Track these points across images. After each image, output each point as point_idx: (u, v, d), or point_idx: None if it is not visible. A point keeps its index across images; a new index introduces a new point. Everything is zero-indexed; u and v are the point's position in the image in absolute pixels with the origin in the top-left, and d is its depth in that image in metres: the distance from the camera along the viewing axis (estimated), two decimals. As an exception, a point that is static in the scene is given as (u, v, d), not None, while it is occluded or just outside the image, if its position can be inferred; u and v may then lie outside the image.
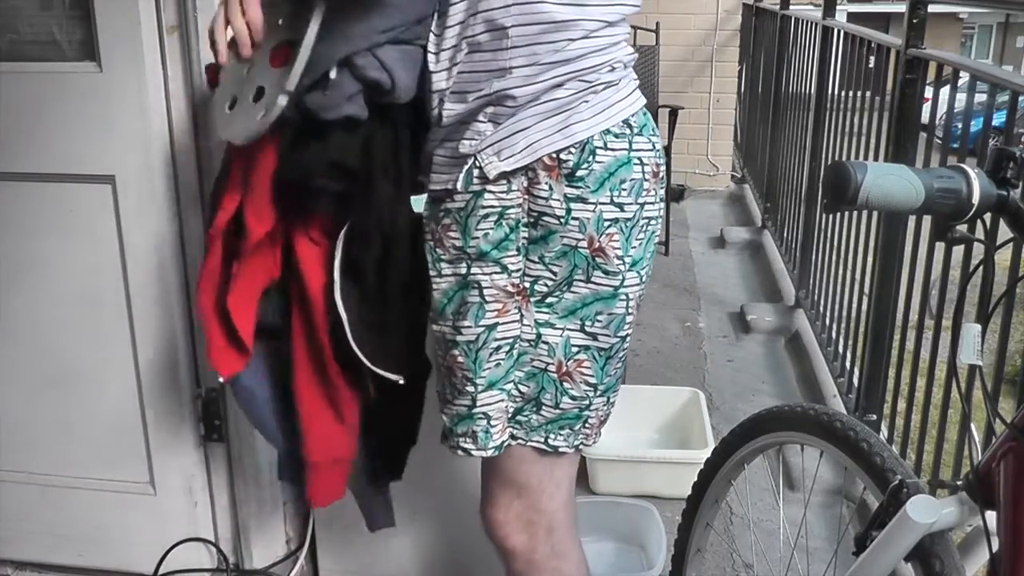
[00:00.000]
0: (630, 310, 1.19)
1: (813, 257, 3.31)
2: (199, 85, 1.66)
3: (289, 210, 1.28)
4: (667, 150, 4.58)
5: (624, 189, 1.14)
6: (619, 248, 1.15)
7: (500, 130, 1.12)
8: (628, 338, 1.22)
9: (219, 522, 1.94)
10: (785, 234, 3.94)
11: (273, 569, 1.98)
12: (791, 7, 4.32)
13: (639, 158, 1.16)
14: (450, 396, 1.22)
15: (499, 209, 1.13)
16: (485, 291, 1.15)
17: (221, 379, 1.38)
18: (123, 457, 1.88)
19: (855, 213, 2.66)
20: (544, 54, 1.09)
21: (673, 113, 4.44)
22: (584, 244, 1.13)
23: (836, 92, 3.24)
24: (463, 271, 1.16)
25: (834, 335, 2.88)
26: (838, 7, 3.59)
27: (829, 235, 3.05)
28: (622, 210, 1.14)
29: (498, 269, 1.15)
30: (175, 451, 1.86)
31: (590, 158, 1.12)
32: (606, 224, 1.13)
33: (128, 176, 1.70)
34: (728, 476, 1.50)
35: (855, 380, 2.57)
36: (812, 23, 3.67)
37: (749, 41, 5.42)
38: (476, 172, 1.13)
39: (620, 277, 1.16)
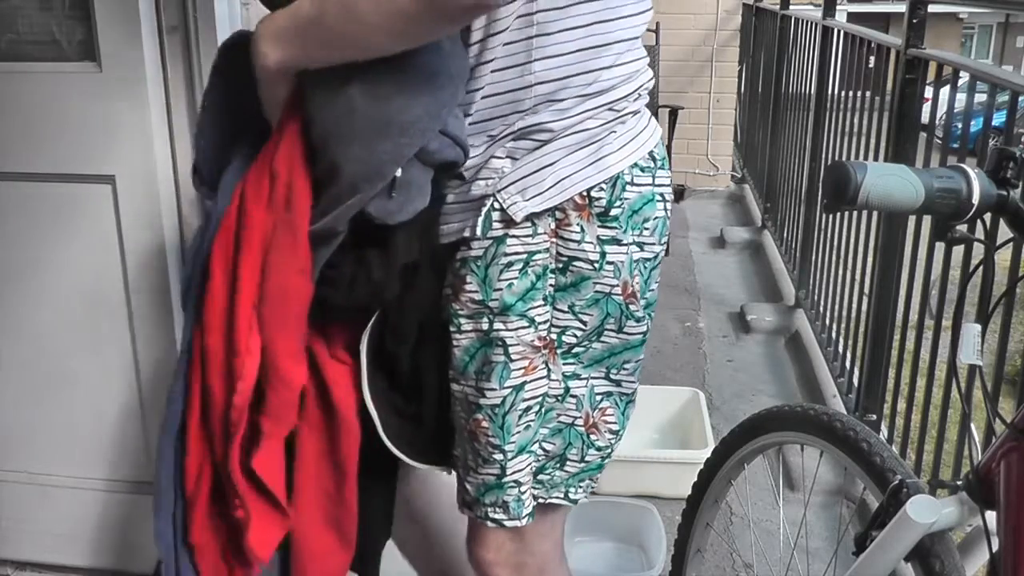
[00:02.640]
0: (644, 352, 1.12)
1: (813, 257, 3.31)
2: (199, 85, 1.66)
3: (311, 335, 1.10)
4: (667, 150, 4.57)
5: (647, 228, 1.05)
6: (640, 291, 1.07)
7: (521, 166, 1.01)
8: None
9: (219, 522, 1.94)
10: (785, 234, 3.94)
11: (273, 569, 1.97)
12: (791, 7, 4.32)
13: (661, 195, 1.07)
14: (473, 463, 1.10)
15: (524, 256, 1.01)
16: (511, 349, 1.03)
17: (262, 566, 1.12)
18: (123, 457, 1.88)
19: (855, 213, 2.66)
20: (577, 86, 0.99)
21: (673, 113, 4.45)
22: (618, 290, 1.04)
23: (836, 92, 3.24)
24: (484, 327, 1.03)
25: (834, 335, 2.88)
26: (838, 7, 3.59)
27: (829, 235, 3.05)
28: (642, 250, 1.05)
29: (524, 323, 1.03)
30: (175, 451, 1.86)
31: (622, 194, 1.02)
32: (634, 266, 1.05)
33: (128, 176, 1.70)
34: (728, 476, 1.50)
35: (855, 380, 2.57)
36: (812, 23, 3.67)
37: (749, 41, 5.41)
38: (496, 215, 1.01)
39: (645, 322, 1.08)
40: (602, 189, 1.01)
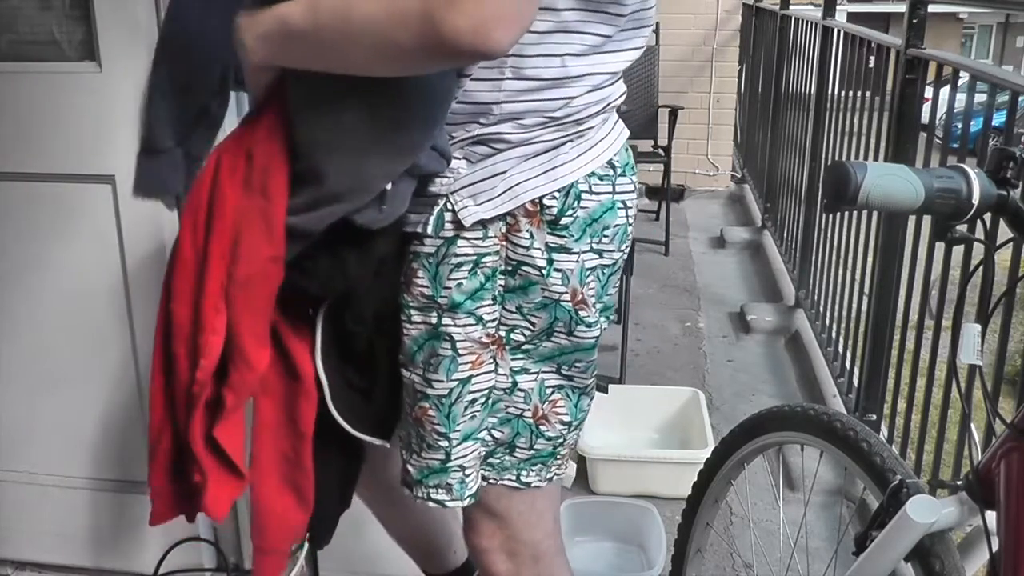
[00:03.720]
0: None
1: (813, 257, 3.31)
2: (199, 85, 1.65)
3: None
4: (667, 150, 4.58)
5: (606, 236, 1.06)
6: (594, 296, 1.08)
7: (476, 170, 1.01)
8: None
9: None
10: (785, 234, 3.94)
11: (273, 569, 1.97)
12: (791, 7, 4.32)
13: (623, 202, 1.07)
14: (417, 447, 1.14)
15: (474, 258, 1.02)
16: (458, 344, 1.05)
17: (216, 523, 1.15)
18: (123, 457, 1.88)
19: (855, 213, 2.66)
20: (544, 111, 0.99)
21: (673, 113, 4.44)
22: (567, 297, 1.05)
23: (836, 92, 3.24)
24: (433, 321, 1.05)
25: (834, 335, 2.88)
26: (838, 7, 3.59)
27: (829, 235, 3.05)
28: (601, 257, 1.06)
29: (472, 321, 1.04)
30: (175, 451, 1.86)
31: (575, 204, 1.02)
32: (587, 274, 1.05)
33: (128, 176, 1.69)
34: (728, 476, 1.50)
35: (855, 380, 2.57)
36: (812, 23, 3.67)
37: (749, 41, 5.42)
38: (448, 216, 1.02)
39: (598, 327, 1.10)
40: (554, 198, 1.01)
